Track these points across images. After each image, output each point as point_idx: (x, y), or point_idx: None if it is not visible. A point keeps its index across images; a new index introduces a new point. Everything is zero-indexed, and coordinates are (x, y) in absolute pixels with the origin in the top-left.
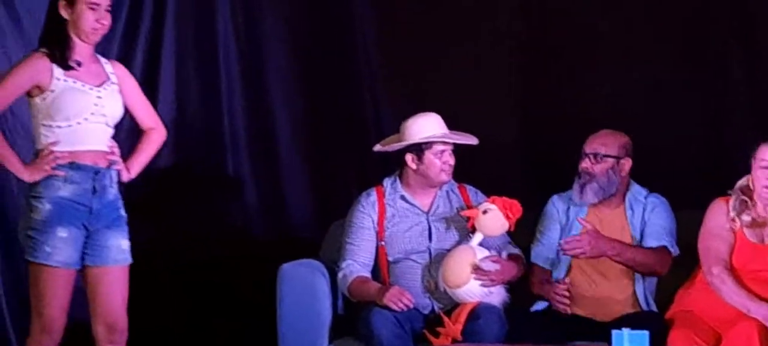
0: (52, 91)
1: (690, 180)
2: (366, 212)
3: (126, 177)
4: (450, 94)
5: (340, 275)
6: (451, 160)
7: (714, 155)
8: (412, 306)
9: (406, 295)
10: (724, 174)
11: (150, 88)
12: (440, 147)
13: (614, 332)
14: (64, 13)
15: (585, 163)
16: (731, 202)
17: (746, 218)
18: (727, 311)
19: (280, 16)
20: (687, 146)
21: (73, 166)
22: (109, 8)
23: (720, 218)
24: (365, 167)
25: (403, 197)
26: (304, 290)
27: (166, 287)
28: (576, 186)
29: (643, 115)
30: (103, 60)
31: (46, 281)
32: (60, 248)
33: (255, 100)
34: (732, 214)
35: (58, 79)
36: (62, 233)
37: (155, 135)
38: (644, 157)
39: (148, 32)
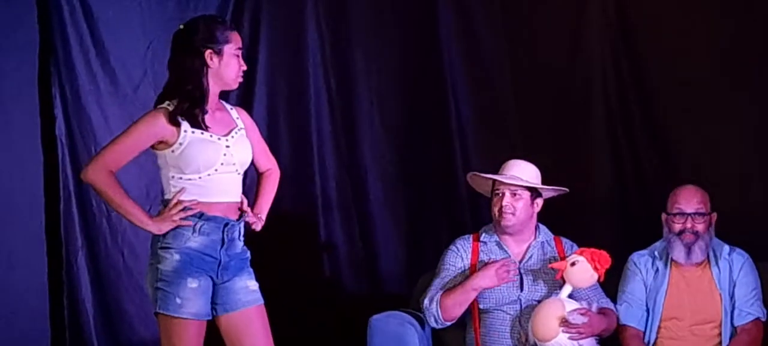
0: (181, 144)
1: None
2: (458, 254)
3: (259, 227)
4: (543, 141)
5: (425, 303)
6: (505, 202)
7: None
8: (516, 277)
9: (508, 265)
10: None
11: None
12: (497, 190)
13: None
14: (211, 63)
15: (688, 223)
16: None
17: None
18: None
19: (371, 73)
20: None
21: (202, 216)
22: None
23: None
24: (455, 221)
25: (498, 244)
26: (394, 342)
27: None
28: (679, 247)
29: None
30: (227, 106)
31: (178, 334)
32: (191, 299)
33: (345, 152)
34: None
35: (186, 132)
36: (192, 283)
37: (273, 176)
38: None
39: (240, 88)
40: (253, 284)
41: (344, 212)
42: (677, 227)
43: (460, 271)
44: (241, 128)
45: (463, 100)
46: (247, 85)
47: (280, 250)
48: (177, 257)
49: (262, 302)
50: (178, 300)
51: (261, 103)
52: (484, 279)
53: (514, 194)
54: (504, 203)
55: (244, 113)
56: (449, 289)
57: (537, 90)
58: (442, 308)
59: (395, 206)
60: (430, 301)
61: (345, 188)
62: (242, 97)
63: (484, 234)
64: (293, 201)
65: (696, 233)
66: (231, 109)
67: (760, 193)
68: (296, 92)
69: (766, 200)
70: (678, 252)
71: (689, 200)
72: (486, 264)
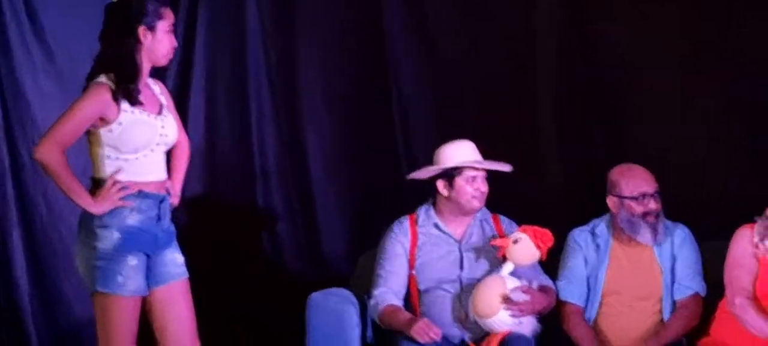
0: (120, 123)
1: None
2: (398, 240)
3: (176, 202)
4: (486, 124)
5: (371, 302)
6: (483, 187)
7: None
8: (439, 339)
9: (433, 328)
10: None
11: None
12: (471, 173)
13: None
14: (144, 39)
15: (651, 204)
16: (756, 227)
17: None
18: (758, 343)
19: (313, 50)
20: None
21: (140, 194)
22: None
23: (744, 246)
24: (397, 198)
25: (436, 225)
26: (333, 319)
27: (196, 316)
28: (645, 229)
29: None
30: (150, 82)
31: (118, 312)
32: (131, 277)
33: (286, 132)
34: (755, 239)
35: (126, 112)
36: (132, 261)
37: (186, 150)
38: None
39: (178, 63)
40: (180, 258)
41: (284, 190)
42: (641, 209)
43: (400, 257)
44: (165, 105)
45: (406, 78)
46: (186, 59)
47: (219, 227)
48: (117, 234)
49: (187, 275)
50: (119, 278)
51: (200, 78)
52: (410, 332)
53: (485, 179)
54: (483, 190)
55: (163, 86)
56: (392, 309)
57: (483, 68)
58: (380, 319)
59: (337, 183)
60: (375, 304)
61: (285, 166)
62: (182, 72)
63: (421, 216)
64: (232, 178)
65: (657, 214)
66: (153, 84)
67: (706, 174)
68: (236, 67)
69: (712, 181)
70: (644, 235)
71: (649, 181)
72: (420, 318)
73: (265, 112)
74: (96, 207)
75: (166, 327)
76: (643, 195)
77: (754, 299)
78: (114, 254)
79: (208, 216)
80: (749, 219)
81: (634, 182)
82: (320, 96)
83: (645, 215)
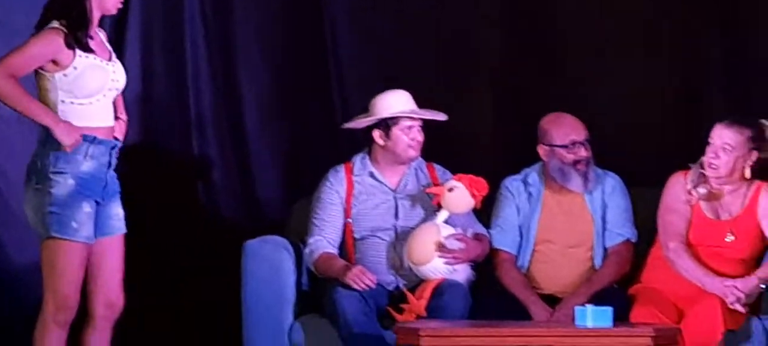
0: (75, 68)
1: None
2: (334, 189)
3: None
4: (420, 73)
5: (306, 250)
6: (419, 137)
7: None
8: (374, 286)
9: (368, 275)
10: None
11: None
12: (407, 123)
13: (577, 308)
14: None
15: (583, 151)
16: (689, 174)
17: (702, 190)
18: (690, 288)
19: (248, 0)
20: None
21: (95, 140)
22: None
23: (677, 192)
24: (333, 146)
25: (371, 174)
26: (268, 266)
27: (131, 264)
28: (576, 177)
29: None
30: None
31: (68, 256)
32: (85, 223)
33: (221, 79)
34: (688, 186)
35: (81, 56)
36: (87, 208)
37: (118, 99)
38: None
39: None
40: (121, 212)
41: (220, 139)
42: (571, 157)
43: (336, 206)
44: (112, 51)
45: (341, 27)
46: (122, 9)
47: (155, 176)
48: (71, 181)
49: (125, 231)
50: (74, 224)
51: (135, 28)
52: (345, 278)
53: (420, 128)
54: (419, 139)
55: (105, 34)
56: (327, 256)
57: (417, 19)
58: (315, 268)
59: (272, 131)
60: (310, 252)
61: (220, 115)
62: (117, 22)
63: (357, 165)
64: (168, 128)
65: (588, 162)
66: (99, 31)
67: (635, 119)
68: (171, 17)
69: (639, 126)
70: (575, 182)
71: (578, 129)
72: (355, 265)
73: (201, 62)
74: (64, 132)
75: (98, 276)
76: (573, 143)
77: (687, 245)
78: (69, 201)
79: (143, 165)
80: (682, 166)
81: (563, 130)
82: (255, 45)
83: (575, 162)
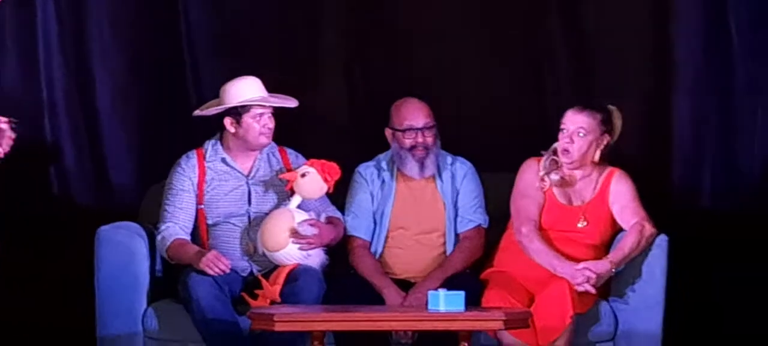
0: None
1: (513, 145)
2: (186, 175)
3: None
4: (274, 59)
5: (158, 237)
6: (270, 124)
7: (536, 122)
8: (228, 271)
9: (222, 260)
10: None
11: None
12: (259, 110)
13: (430, 292)
14: None
15: (420, 138)
16: (542, 161)
17: (555, 176)
18: (540, 272)
19: None
20: (508, 112)
21: None
22: None
23: (530, 177)
24: (187, 131)
25: (223, 160)
26: (121, 252)
27: None
28: (411, 163)
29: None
30: None
31: None
32: None
33: (74, 63)
34: (541, 173)
35: None
36: None
37: None
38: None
39: None
40: None
41: (72, 121)
42: (408, 142)
43: (188, 192)
44: None
45: (195, 12)
46: None
47: (5, 162)
48: None
49: None
50: None
51: None
52: (199, 264)
53: (271, 114)
54: (270, 126)
55: None
56: (179, 243)
57: (270, 1)
58: (168, 254)
59: (125, 114)
60: (162, 239)
61: (73, 97)
62: None
63: (209, 151)
64: (18, 110)
65: (427, 147)
66: None
67: (482, 105)
68: (22, 2)
69: (487, 112)
70: (411, 168)
71: (418, 115)
72: (208, 251)
73: (53, 46)
74: None
75: None
76: (410, 128)
77: (539, 230)
78: None
79: None
80: (534, 152)
81: (402, 115)
82: (108, 29)
83: (412, 148)
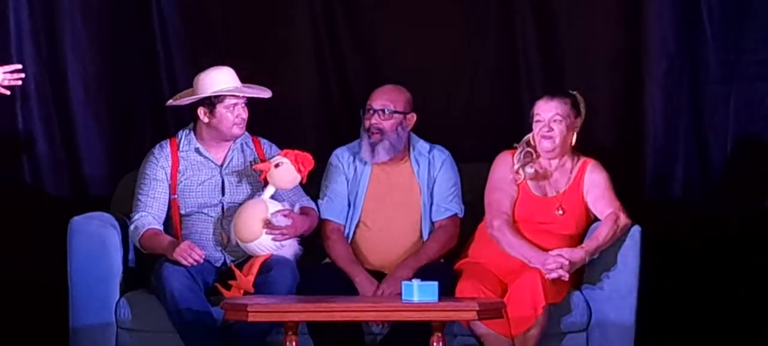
0: None
1: (485, 136)
2: (159, 164)
3: None
4: (246, 50)
5: (131, 227)
6: (244, 114)
7: (508, 114)
8: (202, 261)
9: (196, 250)
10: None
11: None
12: (232, 100)
13: (404, 282)
14: None
15: (374, 120)
16: (516, 154)
17: (530, 169)
18: (513, 263)
19: None
20: (482, 103)
21: None
22: None
23: (504, 170)
24: (159, 122)
25: (197, 150)
26: (94, 243)
27: None
28: (365, 145)
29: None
30: None
31: None
32: None
33: (46, 53)
34: (516, 166)
35: None
36: None
37: None
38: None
39: None
40: None
41: (44, 112)
42: (366, 123)
43: (160, 182)
44: None
45: (168, 2)
46: None
47: None
48: None
49: None
50: None
51: None
52: (172, 254)
53: (245, 105)
54: (244, 116)
55: None
56: (152, 233)
57: None
58: (141, 244)
59: (98, 105)
60: (135, 229)
61: (45, 89)
62: None
63: (182, 141)
64: None
65: (381, 131)
66: None
67: (464, 96)
68: None
69: (468, 104)
70: (364, 150)
71: (379, 97)
72: (182, 241)
73: (25, 36)
74: None
75: None
76: (370, 108)
77: (513, 223)
78: None
79: None
80: (507, 145)
81: (371, 96)
82: (81, 18)
83: (368, 129)
